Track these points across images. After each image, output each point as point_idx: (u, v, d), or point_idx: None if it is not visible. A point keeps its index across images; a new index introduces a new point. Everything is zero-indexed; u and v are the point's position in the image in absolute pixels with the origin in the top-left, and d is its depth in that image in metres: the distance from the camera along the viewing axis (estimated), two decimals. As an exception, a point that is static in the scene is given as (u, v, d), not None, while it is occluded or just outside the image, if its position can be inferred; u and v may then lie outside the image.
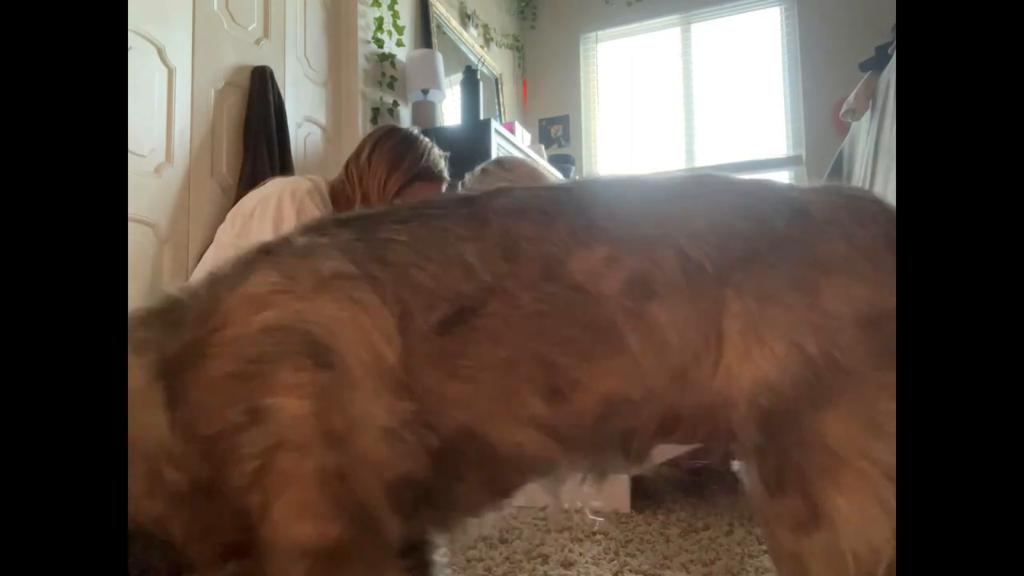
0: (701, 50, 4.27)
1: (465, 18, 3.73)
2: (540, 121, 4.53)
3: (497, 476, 0.54)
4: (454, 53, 3.49)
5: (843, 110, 1.60)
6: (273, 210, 1.45)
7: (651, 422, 0.51)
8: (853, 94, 1.56)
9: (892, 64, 1.40)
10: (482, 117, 3.03)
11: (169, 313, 0.50)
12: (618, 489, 1.07)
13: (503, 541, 0.98)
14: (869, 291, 0.46)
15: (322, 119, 2.65)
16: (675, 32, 4.33)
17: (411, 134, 1.70)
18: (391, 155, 1.63)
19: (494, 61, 4.05)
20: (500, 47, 4.21)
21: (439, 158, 1.72)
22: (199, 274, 1.21)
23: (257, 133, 2.19)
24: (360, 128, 2.69)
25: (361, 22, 2.78)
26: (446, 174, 1.74)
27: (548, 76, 4.54)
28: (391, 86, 2.94)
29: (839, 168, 1.79)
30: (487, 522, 1.06)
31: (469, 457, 0.50)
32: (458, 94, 3.14)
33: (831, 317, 0.45)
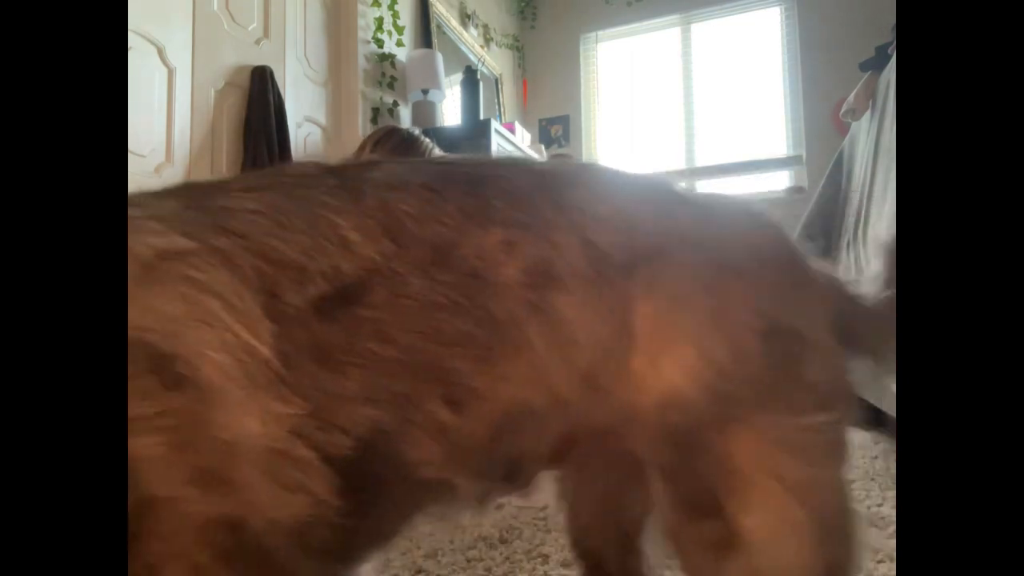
0: (701, 50, 4.28)
1: (465, 18, 3.74)
2: (540, 121, 4.54)
3: (401, 500, 0.45)
4: (454, 53, 3.49)
5: (843, 110, 1.60)
6: None
7: (549, 440, 0.45)
8: (853, 94, 1.56)
9: (892, 64, 1.40)
10: (482, 117, 3.04)
11: None
12: (618, 489, 1.06)
13: (503, 541, 0.98)
14: (770, 301, 0.44)
15: (322, 119, 2.65)
16: (675, 32, 4.33)
17: (412, 135, 1.70)
18: (391, 156, 1.63)
19: (494, 61, 4.05)
20: (500, 47, 4.21)
21: (439, 158, 1.72)
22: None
23: (257, 133, 2.19)
24: (360, 128, 2.69)
25: (361, 22, 2.78)
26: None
27: (548, 76, 4.55)
28: (391, 86, 2.94)
29: (839, 168, 1.79)
30: (486, 522, 1.06)
31: (377, 471, 0.41)
32: (458, 94, 3.14)
33: (737, 325, 0.43)
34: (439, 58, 3.03)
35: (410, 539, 1.00)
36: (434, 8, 3.30)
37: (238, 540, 0.36)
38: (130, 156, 1.81)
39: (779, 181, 4.03)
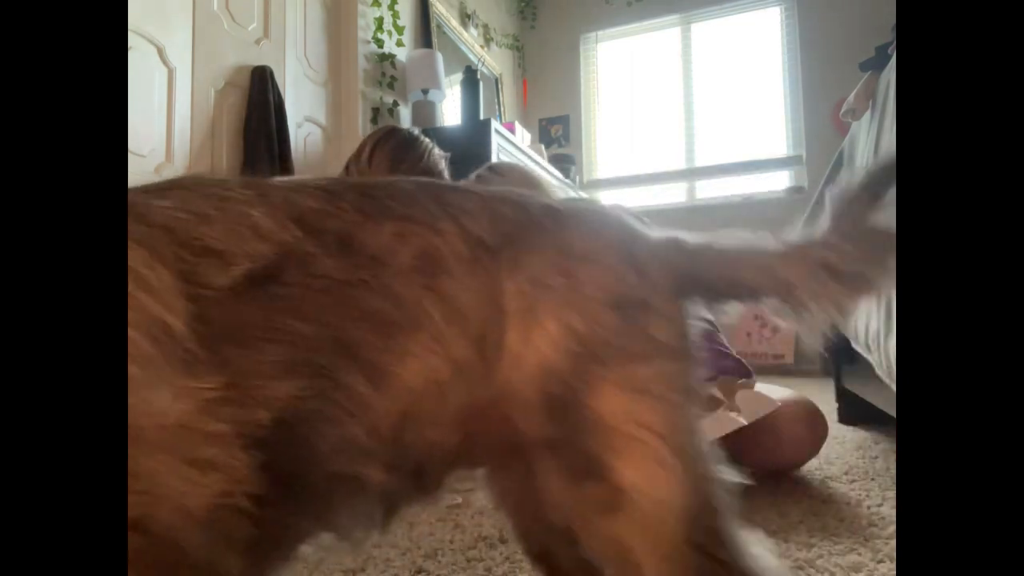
0: (701, 50, 4.28)
1: (465, 18, 3.74)
2: (540, 121, 4.54)
3: (316, 494, 0.44)
4: (454, 53, 3.49)
5: (843, 110, 1.60)
6: None
7: (453, 431, 0.48)
8: (853, 94, 1.56)
9: (892, 64, 1.40)
10: (482, 117, 3.04)
11: None
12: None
13: (503, 541, 0.98)
14: (612, 278, 0.50)
15: (322, 119, 2.65)
16: (675, 32, 4.34)
17: (411, 135, 1.70)
18: (392, 156, 1.63)
19: (494, 61, 4.05)
20: (500, 47, 4.21)
21: (439, 159, 1.72)
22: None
23: (257, 133, 2.19)
24: (360, 128, 2.69)
25: (361, 22, 2.78)
26: (446, 175, 1.74)
27: (548, 76, 4.55)
28: (391, 86, 2.94)
29: (839, 168, 1.79)
30: (486, 522, 1.06)
31: (296, 454, 0.41)
32: (458, 94, 3.14)
33: (587, 299, 0.48)
34: (439, 58, 3.03)
35: (410, 539, 1.00)
36: (434, 8, 3.30)
37: (148, 542, 0.34)
38: (130, 156, 1.81)
39: (779, 181, 4.03)
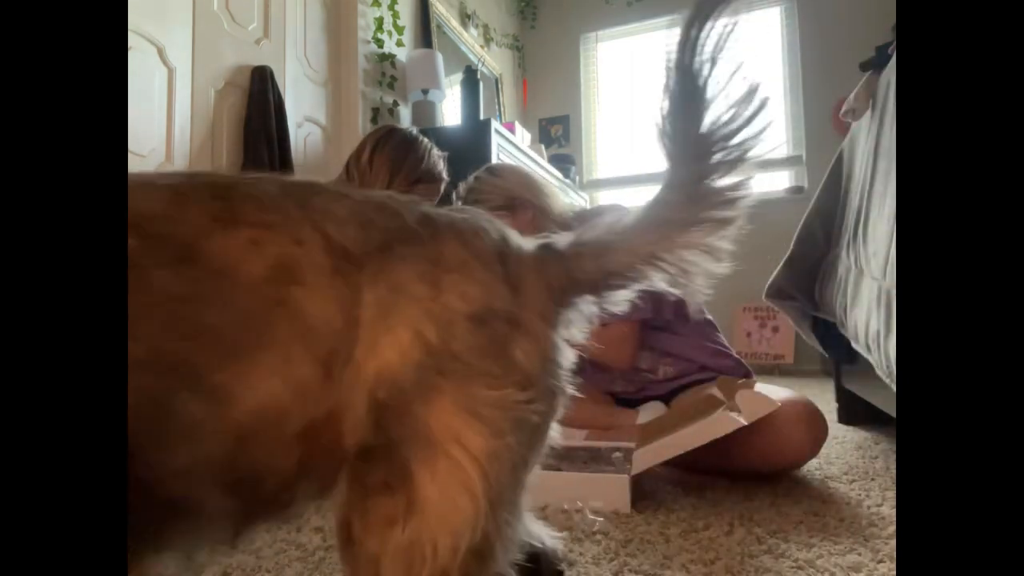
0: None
1: (465, 18, 3.74)
2: (540, 121, 4.54)
3: (150, 522, 0.43)
4: (454, 53, 3.49)
5: (843, 110, 1.60)
6: None
7: (292, 451, 0.46)
8: (853, 94, 1.56)
9: (892, 64, 1.40)
10: (482, 117, 3.04)
11: None
12: (618, 489, 1.07)
13: (503, 541, 0.98)
14: (480, 291, 0.49)
15: (322, 119, 2.65)
16: (675, 32, 4.33)
17: (411, 135, 1.70)
18: (392, 157, 1.63)
19: (494, 61, 4.05)
20: (500, 47, 4.21)
21: (438, 159, 1.72)
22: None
23: (257, 133, 2.19)
24: (360, 128, 2.69)
25: (361, 22, 2.78)
26: (445, 175, 1.74)
27: (548, 76, 4.55)
28: (391, 86, 2.94)
29: (839, 168, 1.79)
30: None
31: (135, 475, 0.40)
32: (458, 94, 3.14)
33: (448, 310, 0.47)
34: (439, 58, 3.03)
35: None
36: (434, 8, 3.30)
37: None
38: (130, 156, 1.81)
39: (779, 181, 4.03)
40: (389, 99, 2.94)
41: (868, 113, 1.53)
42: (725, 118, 0.52)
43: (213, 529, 0.47)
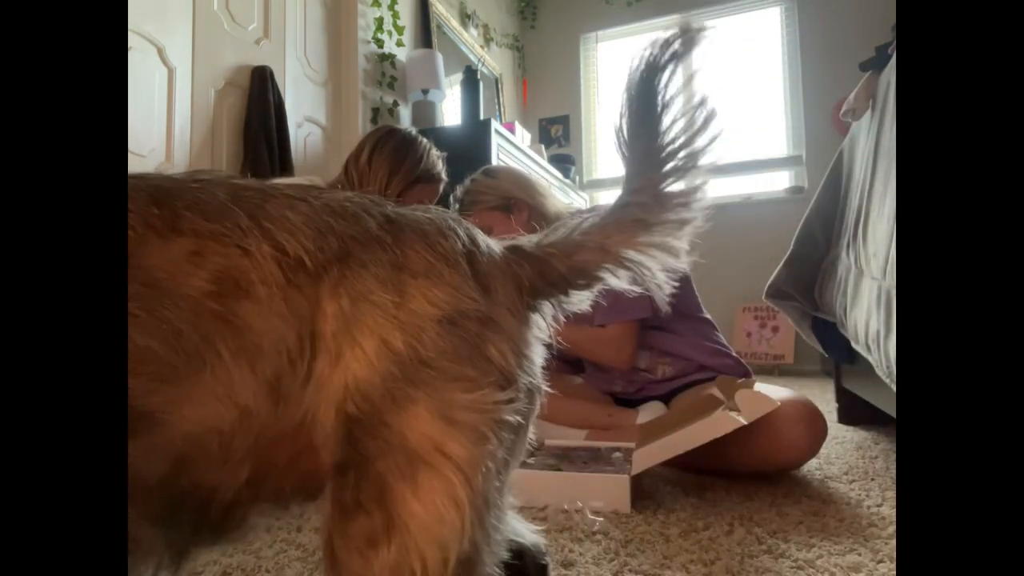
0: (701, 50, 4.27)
1: (465, 18, 3.74)
2: (540, 121, 4.54)
3: None
4: (454, 53, 3.49)
5: (843, 110, 1.60)
6: None
7: (240, 469, 0.44)
8: (853, 94, 1.56)
9: (892, 64, 1.40)
10: (482, 117, 3.04)
11: None
12: (618, 489, 1.07)
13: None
14: (448, 293, 0.47)
15: (322, 119, 2.65)
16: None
17: (410, 135, 1.70)
18: (391, 158, 1.63)
19: (494, 61, 4.05)
20: (500, 47, 4.21)
21: (437, 159, 1.72)
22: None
23: (257, 133, 2.19)
24: (360, 128, 2.69)
25: (361, 22, 2.78)
26: (444, 175, 1.74)
27: (548, 76, 4.55)
28: (391, 86, 2.94)
29: (839, 168, 1.79)
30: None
31: None
32: (458, 94, 3.14)
33: (416, 315, 0.45)
34: (439, 58, 3.03)
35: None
36: (434, 8, 3.30)
37: None
38: (130, 156, 1.81)
39: (779, 181, 4.03)
40: (389, 99, 2.94)
41: (868, 113, 1.53)
42: (676, 130, 0.55)
43: (142, 563, 0.44)
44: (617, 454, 1.21)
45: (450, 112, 3.34)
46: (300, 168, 2.41)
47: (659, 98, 0.55)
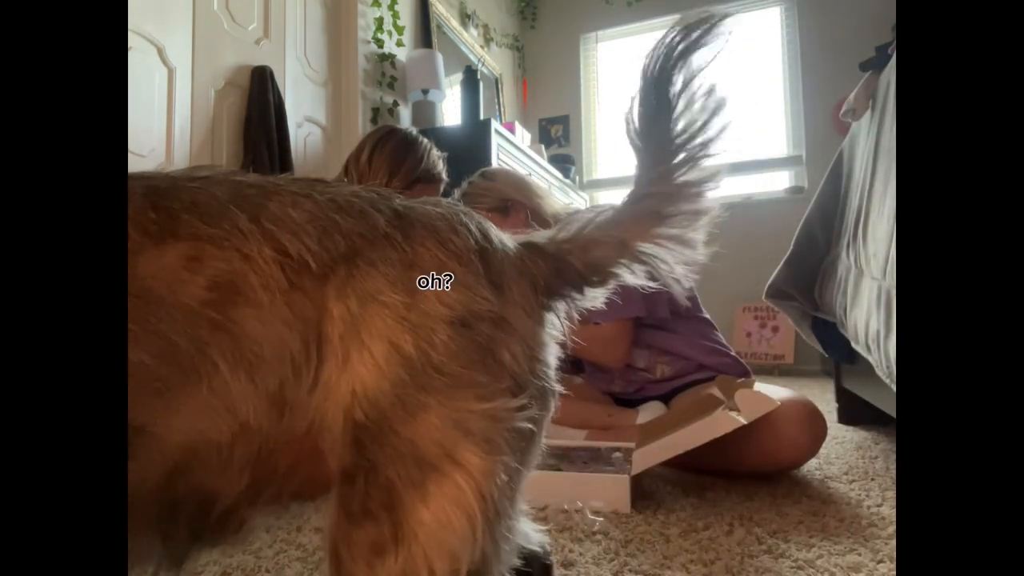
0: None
1: (465, 18, 3.74)
2: (540, 121, 4.54)
3: None
4: (454, 53, 3.49)
5: (843, 110, 1.60)
6: None
7: (241, 476, 0.43)
8: (853, 94, 1.56)
9: (892, 64, 1.40)
10: (482, 117, 3.04)
11: None
12: (618, 489, 1.07)
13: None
14: (460, 293, 0.45)
15: (322, 119, 2.65)
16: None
17: (411, 135, 1.70)
18: (392, 157, 1.63)
19: (494, 61, 4.05)
20: (500, 47, 4.21)
21: (437, 159, 1.72)
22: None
23: (257, 133, 2.19)
24: (360, 128, 2.69)
25: (361, 22, 2.78)
26: (444, 175, 1.74)
27: (548, 76, 4.55)
28: (391, 86, 2.94)
29: (839, 168, 1.79)
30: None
31: None
32: (458, 94, 3.14)
33: (427, 317, 0.44)
34: (439, 58, 3.03)
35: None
36: (434, 8, 3.30)
37: None
38: (130, 156, 1.81)
39: (779, 181, 4.03)
40: (389, 99, 2.94)
41: (868, 113, 1.53)
42: (688, 119, 0.53)
43: (145, 562, 0.43)
44: (617, 454, 1.21)
45: (450, 112, 3.34)
46: (300, 168, 2.41)
47: (673, 87, 0.53)
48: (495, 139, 2.81)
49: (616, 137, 4.44)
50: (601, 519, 1.00)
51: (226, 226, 0.43)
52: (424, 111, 3.00)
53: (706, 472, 1.29)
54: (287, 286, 0.43)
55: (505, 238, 0.53)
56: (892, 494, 1.13)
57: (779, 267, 1.89)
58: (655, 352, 1.51)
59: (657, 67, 0.53)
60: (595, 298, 0.55)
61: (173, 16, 1.98)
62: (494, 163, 2.73)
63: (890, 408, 1.43)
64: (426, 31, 3.24)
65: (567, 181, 3.82)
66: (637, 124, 0.54)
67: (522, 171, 2.55)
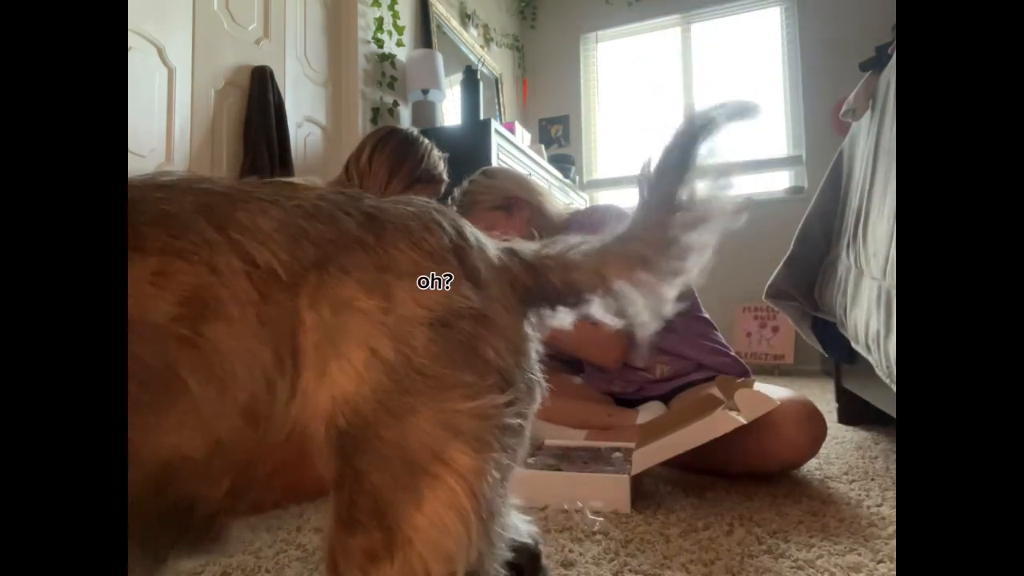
0: (701, 50, 4.28)
1: (465, 18, 3.74)
2: (540, 121, 4.54)
3: None
4: (454, 53, 3.49)
5: (843, 110, 1.60)
6: None
7: (220, 484, 0.43)
8: (853, 94, 1.56)
9: (892, 64, 1.40)
10: (482, 117, 3.04)
11: None
12: (618, 489, 1.07)
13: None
14: (438, 293, 0.45)
15: (322, 119, 2.65)
16: (675, 32, 4.34)
17: (411, 135, 1.70)
18: (392, 158, 1.63)
19: (494, 61, 4.05)
20: (500, 47, 4.21)
21: (438, 160, 1.72)
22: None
23: (257, 133, 2.19)
24: (360, 128, 2.69)
25: (361, 22, 2.78)
26: (445, 176, 1.74)
27: (548, 76, 4.55)
28: (391, 86, 2.94)
29: (839, 168, 1.79)
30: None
31: None
32: (458, 94, 3.14)
33: (405, 320, 0.43)
34: (439, 58, 3.03)
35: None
36: (434, 8, 3.30)
37: None
38: (130, 156, 1.81)
39: (779, 181, 4.03)
40: (389, 99, 2.94)
41: (868, 113, 1.53)
42: (698, 191, 0.55)
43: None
44: (617, 454, 1.21)
45: (450, 112, 3.34)
46: (300, 168, 2.41)
47: (694, 158, 0.54)
48: (495, 139, 2.81)
49: (616, 137, 4.45)
50: (601, 519, 1.00)
51: (193, 238, 0.42)
52: (424, 111, 3.00)
53: (706, 472, 1.29)
54: (257, 298, 0.42)
55: (482, 236, 0.52)
56: (892, 494, 1.13)
57: (779, 267, 1.89)
58: (655, 352, 1.51)
59: (686, 131, 0.55)
60: (562, 320, 0.55)
61: (173, 16, 1.98)
62: (494, 163, 2.73)
63: (890, 408, 1.43)
64: (426, 31, 3.24)
65: (567, 181, 3.82)
66: (653, 168, 0.55)
67: (522, 171, 2.54)
